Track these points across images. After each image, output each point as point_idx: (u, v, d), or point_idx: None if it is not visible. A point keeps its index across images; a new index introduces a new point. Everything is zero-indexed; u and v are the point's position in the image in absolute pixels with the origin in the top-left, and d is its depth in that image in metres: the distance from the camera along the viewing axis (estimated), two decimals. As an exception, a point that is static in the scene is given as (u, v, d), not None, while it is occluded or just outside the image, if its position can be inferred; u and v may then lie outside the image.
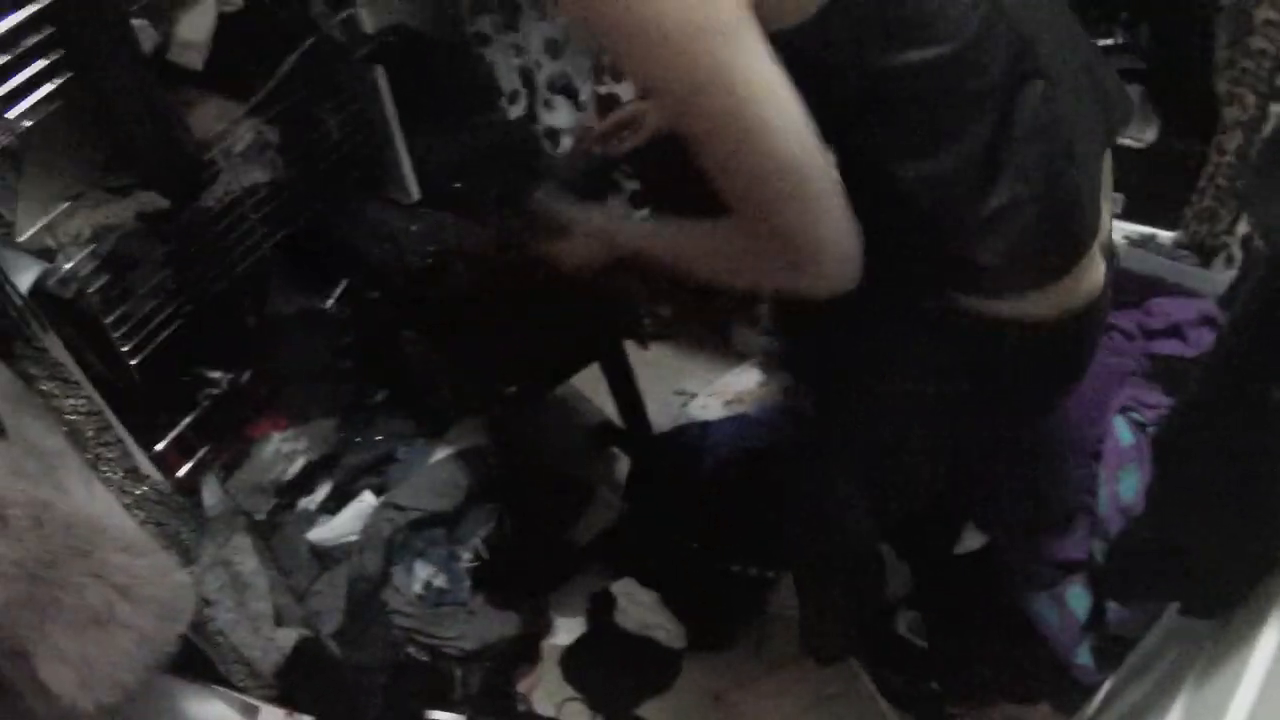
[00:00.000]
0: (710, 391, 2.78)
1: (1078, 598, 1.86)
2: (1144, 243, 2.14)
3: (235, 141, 1.97)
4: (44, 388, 1.62)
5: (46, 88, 1.55)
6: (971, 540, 1.94)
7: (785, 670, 2.23)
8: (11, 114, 1.52)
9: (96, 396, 1.75)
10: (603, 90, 2.15)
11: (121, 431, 1.81)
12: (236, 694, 1.92)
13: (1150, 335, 2.03)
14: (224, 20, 1.81)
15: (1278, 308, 0.99)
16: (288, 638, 1.99)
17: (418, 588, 2.27)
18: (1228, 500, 1.18)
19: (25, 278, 1.62)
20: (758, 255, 1.16)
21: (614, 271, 1.55)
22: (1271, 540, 1.16)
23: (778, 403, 2.63)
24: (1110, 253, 1.34)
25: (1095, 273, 1.27)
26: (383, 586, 2.27)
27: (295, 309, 2.31)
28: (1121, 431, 1.84)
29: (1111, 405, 1.87)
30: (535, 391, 2.02)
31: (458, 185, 2.41)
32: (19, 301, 1.58)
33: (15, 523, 1.29)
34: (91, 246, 1.74)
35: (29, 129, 1.57)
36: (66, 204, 1.69)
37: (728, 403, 2.73)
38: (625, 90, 2.20)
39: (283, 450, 2.35)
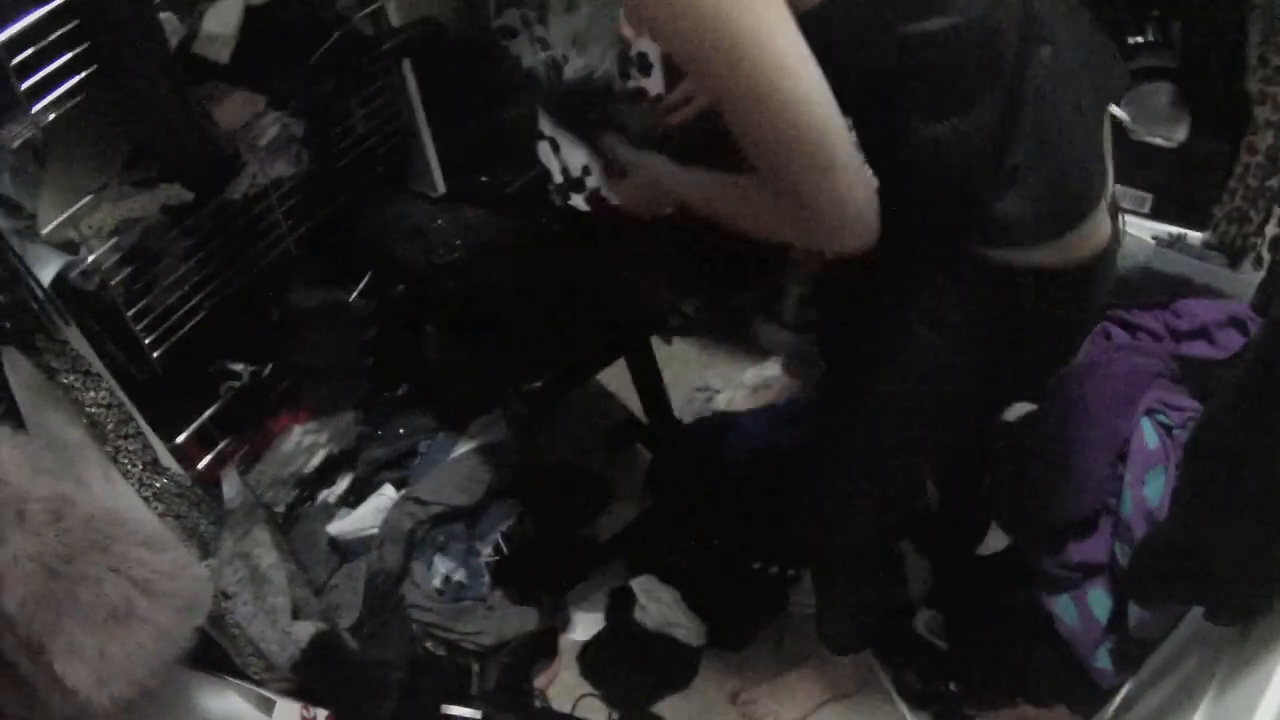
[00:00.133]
0: (733, 387, 2.77)
1: (1099, 600, 1.85)
2: (1173, 243, 2.12)
3: (260, 134, 1.97)
4: (65, 380, 1.62)
5: (71, 81, 1.54)
6: (995, 541, 1.92)
7: (803, 669, 2.22)
8: (36, 108, 1.51)
9: (118, 389, 1.75)
10: (630, 85, 2.14)
11: (142, 424, 1.81)
12: (253, 687, 1.93)
13: (1178, 337, 2.01)
14: (250, 13, 1.81)
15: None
16: (305, 631, 1.99)
17: (437, 582, 2.28)
18: (1256, 507, 1.18)
19: (47, 270, 1.62)
20: (777, 211, 1.24)
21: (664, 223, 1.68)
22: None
23: (800, 396, 2.63)
24: (1115, 210, 1.40)
25: (1103, 227, 1.34)
26: (402, 581, 2.28)
27: (318, 302, 2.30)
28: (1148, 434, 1.82)
29: (1138, 407, 1.85)
30: (559, 388, 2.01)
31: (484, 179, 2.41)
32: (40, 294, 1.58)
33: (34, 517, 1.29)
34: (114, 239, 1.75)
35: (53, 122, 1.56)
36: (90, 197, 1.68)
37: (754, 390, 2.72)
38: (652, 84, 2.19)
39: (303, 443, 2.35)
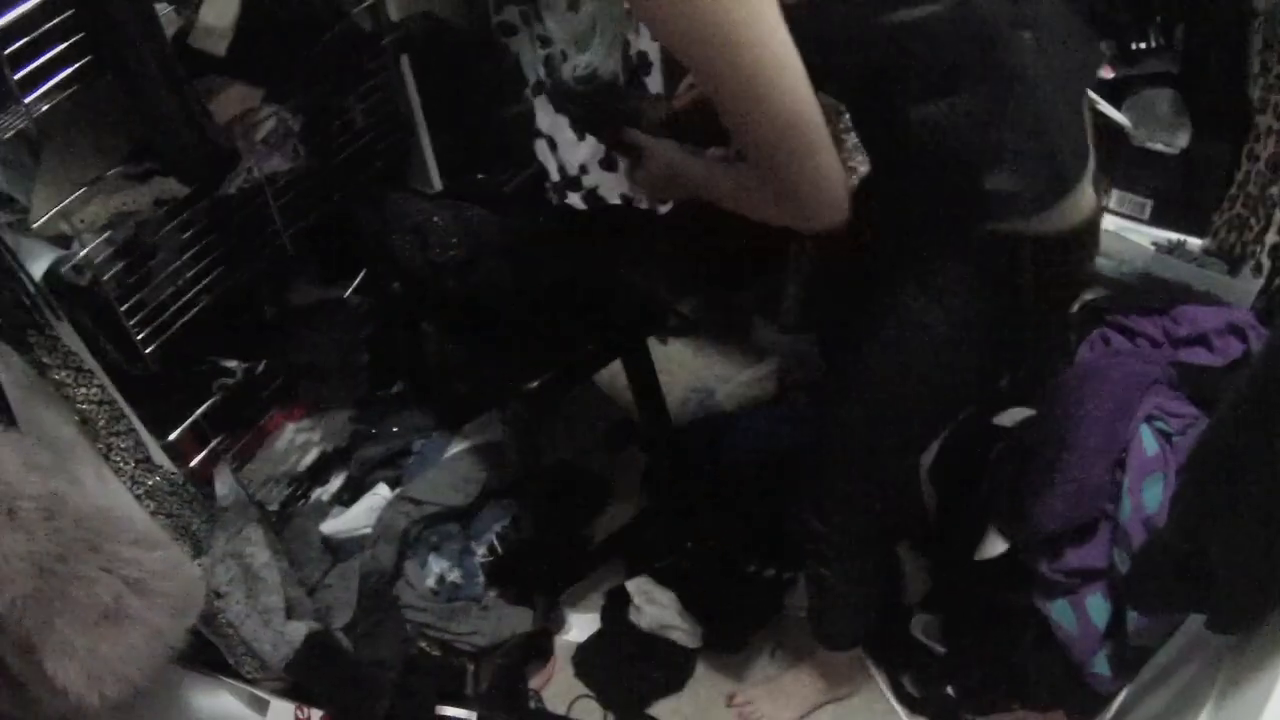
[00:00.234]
0: (730, 388, 2.76)
1: (1097, 605, 1.84)
2: (1172, 249, 2.12)
3: (257, 129, 1.95)
4: (57, 377, 1.61)
5: (64, 72, 1.53)
6: (993, 546, 1.92)
7: (799, 671, 2.21)
8: (29, 99, 1.49)
9: (110, 386, 1.73)
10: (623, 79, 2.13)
11: (135, 421, 1.79)
12: (246, 686, 1.93)
13: (1177, 343, 2.00)
14: (248, 6, 1.79)
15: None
16: (298, 631, 1.98)
17: (431, 582, 2.27)
18: (1259, 517, 1.18)
19: (39, 265, 1.61)
20: (765, 193, 1.34)
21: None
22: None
23: (796, 397, 2.62)
24: (1098, 183, 1.47)
25: (1088, 197, 1.41)
26: (395, 580, 2.27)
27: (314, 299, 2.30)
28: (1146, 440, 1.81)
29: (1137, 413, 1.84)
30: (556, 388, 2.00)
31: (481, 177, 2.39)
32: (32, 289, 1.57)
33: (25, 516, 1.28)
34: (108, 233, 1.73)
35: (46, 114, 1.54)
36: (83, 190, 1.67)
37: (750, 390, 2.73)
38: (652, 82, 2.18)
39: (297, 441, 2.34)
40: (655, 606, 2.27)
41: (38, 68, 1.48)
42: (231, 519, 2.03)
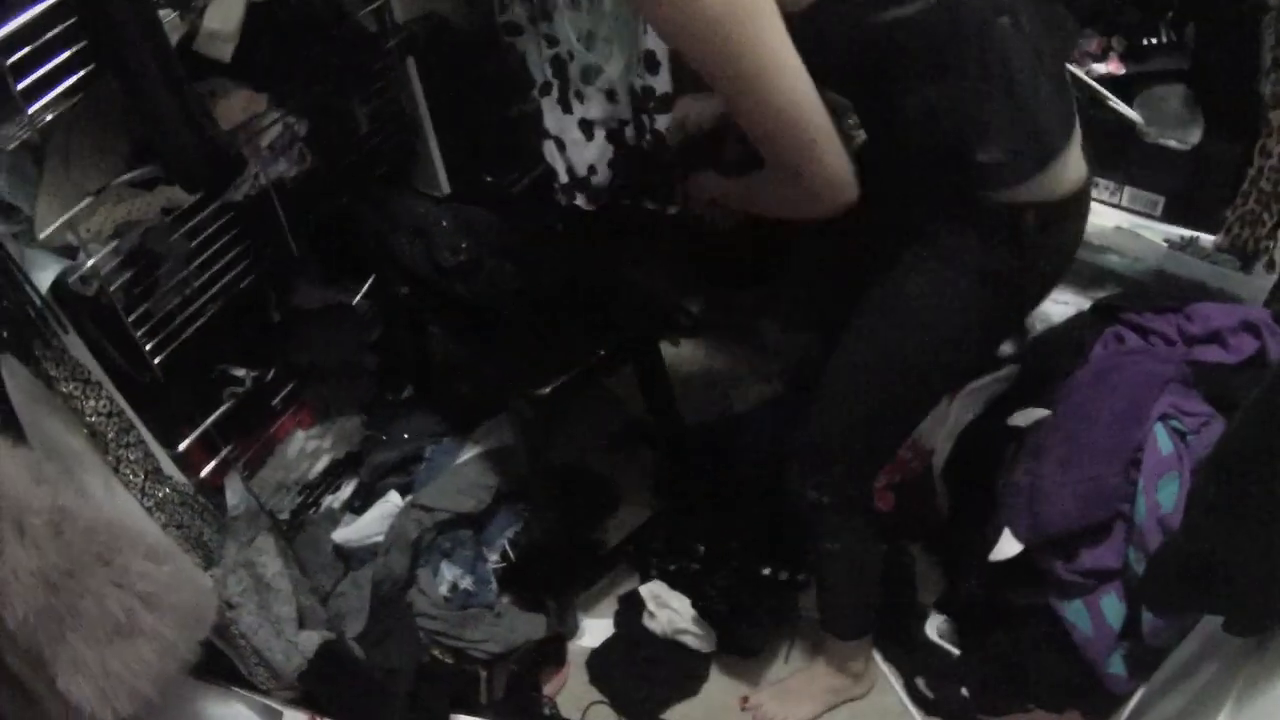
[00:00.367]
0: (740, 387, 2.75)
1: (1112, 606, 1.83)
2: (1185, 246, 2.10)
3: (263, 134, 1.94)
4: (64, 389, 1.60)
5: (68, 81, 1.51)
6: (1007, 547, 1.91)
7: (813, 674, 2.21)
8: (32, 109, 1.47)
9: (119, 397, 1.72)
10: (638, 83, 2.11)
11: (144, 433, 1.79)
12: (259, 697, 1.92)
13: (1191, 341, 1.99)
14: (252, 10, 1.78)
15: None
16: (311, 640, 1.97)
17: (444, 589, 2.26)
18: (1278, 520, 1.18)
19: (45, 276, 1.59)
20: (784, 188, 1.53)
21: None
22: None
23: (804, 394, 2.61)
24: (1087, 151, 1.60)
25: (1075, 165, 1.54)
26: (408, 588, 2.26)
27: (321, 304, 2.29)
28: (1161, 440, 1.80)
29: (1151, 413, 1.83)
30: (567, 392, 1.99)
31: (489, 179, 2.38)
32: (38, 301, 1.55)
33: (34, 531, 1.27)
34: (114, 243, 1.71)
35: (50, 123, 1.53)
36: (88, 199, 1.65)
37: (759, 388, 2.73)
38: (660, 83, 2.16)
39: (307, 448, 2.34)
40: (668, 611, 2.26)
41: (41, 77, 1.46)
42: (243, 528, 2.03)
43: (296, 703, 1.97)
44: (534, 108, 2.32)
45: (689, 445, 2.52)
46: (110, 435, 1.69)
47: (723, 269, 2.27)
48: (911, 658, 2.24)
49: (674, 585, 2.31)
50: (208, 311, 1.95)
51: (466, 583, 2.27)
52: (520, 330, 2.10)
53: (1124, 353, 1.99)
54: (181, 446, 1.96)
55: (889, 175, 1.51)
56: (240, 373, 2.11)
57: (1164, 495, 1.76)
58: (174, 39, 1.63)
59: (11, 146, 1.51)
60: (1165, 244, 2.12)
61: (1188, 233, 2.11)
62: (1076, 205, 1.58)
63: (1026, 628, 2.00)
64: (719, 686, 2.27)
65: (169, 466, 1.85)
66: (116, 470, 1.71)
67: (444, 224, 2.14)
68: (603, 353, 2.03)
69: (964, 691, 2.15)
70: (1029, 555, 1.90)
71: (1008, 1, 1.42)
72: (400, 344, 2.51)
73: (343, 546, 2.35)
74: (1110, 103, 2.08)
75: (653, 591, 2.30)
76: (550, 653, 2.29)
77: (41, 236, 1.60)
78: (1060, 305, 2.16)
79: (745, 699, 2.21)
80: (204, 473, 2.05)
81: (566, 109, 2.26)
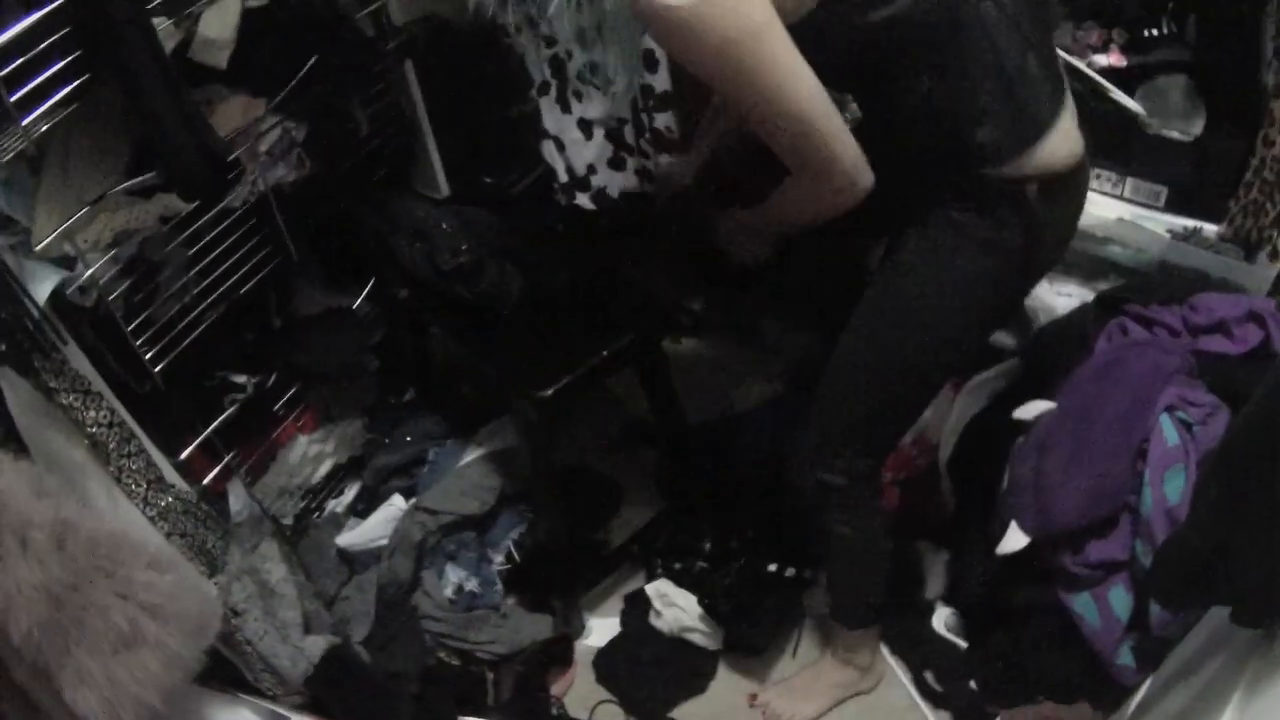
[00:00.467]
0: (743, 384, 2.74)
1: (1119, 598, 1.82)
2: (1188, 236, 2.09)
3: (261, 139, 1.93)
4: (65, 401, 1.60)
5: (63, 91, 1.50)
6: (1014, 540, 1.90)
7: (820, 669, 2.21)
8: (27, 120, 1.47)
9: (120, 407, 1.72)
10: (637, 81, 2.10)
11: (146, 442, 1.78)
12: (266, 703, 1.91)
13: (1195, 331, 1.98)
14: (248, 15, 1.77)
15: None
16: (317, 645, 1.97)
17: (449, 592, 2.26)
18: None
19: (43, 287, 1.58)
20: (807, 190, 1.58)
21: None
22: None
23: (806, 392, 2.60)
24: (1089, 139, 1.65)
25: (1070, 138, 1.58)
26: (413, 591, 2.26)
27: (322, 308, 2.28)
28: (1167, 431, 1.79)
29: (1157, 404, 1.82)
30: (570, 394, 1.98)
31: (488, 180, 2.37)
32: (36, 313, 1.55)
33: (37, 545, 1.27)
34: (112, 252, 1.71)
35: (45, 133, 1.52)
36: (86, 209, 1.64)
37: (762, 386, 2.72)
38: (659, 81, 2.16)
39: (310, 453, 2.33)
40: (675, 609, 2.26)
41: (36, 87, 1.45)
42: (246, 535, 2.03)
43: (303, 708, 1.97)
44: (533, 108, 2.32)
45: (691, 444, 2.52)
46: (111, 445, 1.69)
47: (723, 269, 2.26)
48: (919, 651, 2.23)
49: (680, 583, 2.30)
50: (207, 319, 1.94)
51: (471, 584, 2.27)
52: (522, 331, 2.10)
53: (1128, 344, 1.98)
54: (183, 454, 1.95)
55: (890, 167, 1.54)
56: (241, 379, 2.11)
57: (1170, 488, 1.75)
58: (169, 46, 1.62)
59: (7, 158, 1.51)
60: (1168, 235, 2.11)
61: (1191, 223, 2.10)
62: (1075, 177, 1.63)
63: (1034, 620, 2.00)
64: (726, 684, 2.27)
65: (171, 475, 1.85)
66: (119, 480, 1.70)
67: (444, 226, 2.13)
68: (605, 353, 2.02)
69: (972, 685, 2.15)
70: (1036, 548, 1.90)
71: None
72: (401, 346, 2.50)
73: (347, 551, 2.34)
74: (1112, 95, 2.08)
75: (659, 590, 2.29)
76: (557, 653, 2.29)
77: (39, 247, 1.59)
78: (1064, 297, 2.15)
79: (753, 696, 2.21)
80: (206, 480, 2.04)
81: (565, 108, 2.26)
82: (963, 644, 2.22)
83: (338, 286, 2.36)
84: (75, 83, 1.51)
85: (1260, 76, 1.90)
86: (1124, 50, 2.08)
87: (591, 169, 2.36)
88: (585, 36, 1.91)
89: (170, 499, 1.81)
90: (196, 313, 1.92)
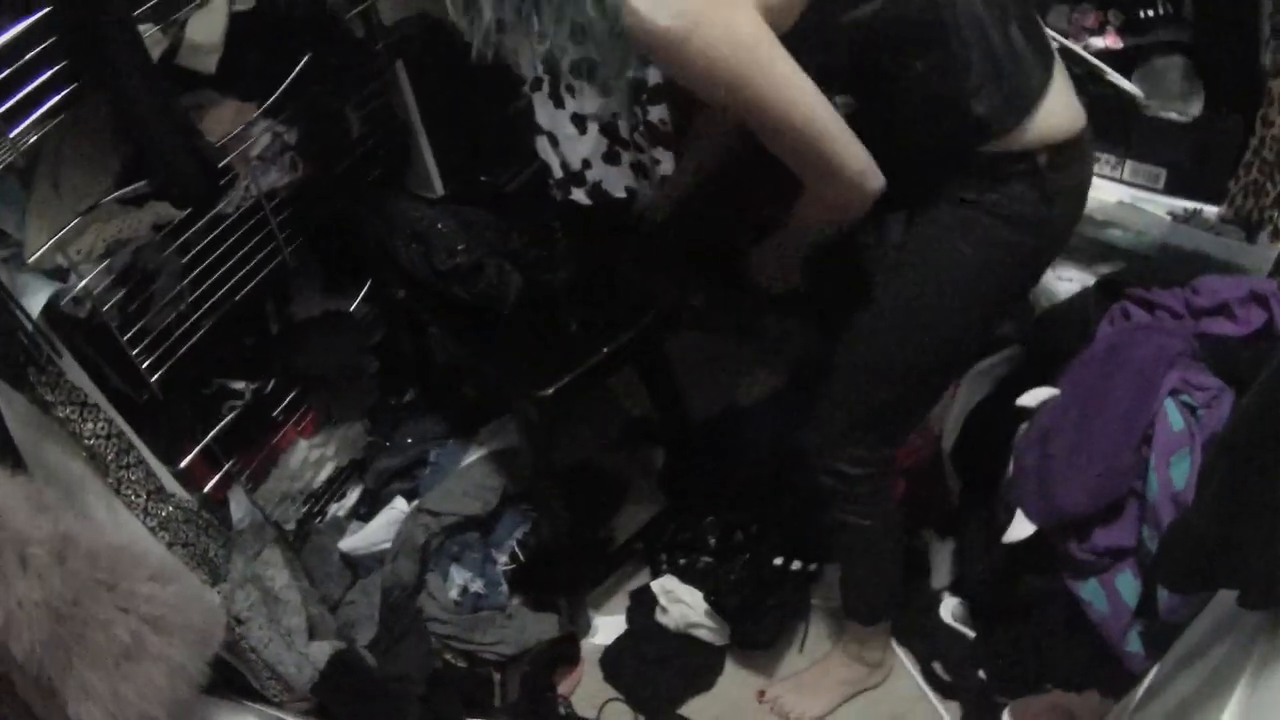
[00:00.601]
0: (745, 378, 2.73)
1: (1127, 584, 1.82)
2: (1188, 218, 2.08)
3: (252, 144, 1.92)
4: (61, 414, 1.58)
5: (50, 101, 1.48)
6: (1020, 528, 1.89)
7: (829, 663, 2.22)
8: (14, 131, 1.45)
9: (118, 418, 1.71)
10: (630, 73, 2.10)
11: (145, 452, 1.77)
12: (272, 710, 1.91)
13: (1198, 314, 1.97)
14: (235, 20, 1.76)
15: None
16: (322, 651, 1.97)
17: (454, 593, 2.25)
18: None
19: (36, 300, 1.57)
20: (822, 195, 1.59)
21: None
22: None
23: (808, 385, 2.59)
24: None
25: (1066, 104, 1.61)
26: (417, 594, 2.25)
27: (319, 312, 2.27)
28: (1172, 416, 1.78)
29: (1161, 389, 1.81)
30: (572, 393, 1.97)
31: (484, 178, 2.36)
32: (30, 326, 1.54)
33: (36, 561, 1.26)
34: (105, 262, 1.69)
35: (35, 144, 1.51)
36: (77, 219, 1.63)
37: (764, 379, 2.71)
38: (652, 74, 2.15)
39: (310, 457, 2.32)
40: (681, 605, 2.26)
41: (22, 99, 1.44)
42: (248, 542, 2.02)
43: (310, 714, 1.97)
44: (526, 104, 2.30)
45: (694, 440, 2.51)
46: (110, 457, 1.68)
47: (722, 267, 2.26)
48: (927, 642, 2.24)
49: (685, 579, 2.30)
50: (204, 325, 1.93)
51: (476, 585, 2.26)
52: (521, 330, 2.08)
53: (1131, 328, 1.97)
54: (183, 463, 1.94)
55: (898, 161, 1.55)
56: (240, 385, 2.10)
57: (1176, 473, 1.74)
58: (157, 53, 1.61)
59: (-3, 172, 1.50)
60: (1169, 217, 2.10)
61: (1191, 205, 2.09)
62: (1082, 144, 1.63)
63: (1042, 608, 1.99)
64: (733, 679, 2.27)
65: (171, 484, 1.84)
66: (118, 492, 1.69)
67: (440, 226, 2.12)
68: (605, 351, 2.01)
69: (981, 674, 2.14)
70: (1042, 536, 1.89)
71: None
72: (401, 348, 2.49)
73: (350, 555, 2.34)
74: (1109, 77, 2.06)
75: (664, 586, 2.29)
76: (563, 652, 2.29)
77: (31, 260, 1.58)
78: (1065, 282, 2.14)
79: (761, 693, 2.21)
80: (207, 488, 2.03)
81: (559, 104, 2.25)
82: (970, 634, 2.21)
83: (335, 289, 2.35)
84: (63, 92, 1.50)
85: (1258, 55, 1.89)
86: (1120, 32, 2.07)
87: (586, 164, 2.35)
88: (577, 32, 1.90)
89: (171, 508, 1.80)
90: (193, 320, 1.91)
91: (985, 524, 2.10)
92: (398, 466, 2.46)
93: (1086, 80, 2.06)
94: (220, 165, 1.79)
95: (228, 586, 1.90)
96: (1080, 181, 1.68)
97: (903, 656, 2.25)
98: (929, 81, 1.52)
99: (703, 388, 2.68)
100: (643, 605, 2.35)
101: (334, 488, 2.44)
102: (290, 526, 2.28)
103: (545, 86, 2.23)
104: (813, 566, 2.27)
